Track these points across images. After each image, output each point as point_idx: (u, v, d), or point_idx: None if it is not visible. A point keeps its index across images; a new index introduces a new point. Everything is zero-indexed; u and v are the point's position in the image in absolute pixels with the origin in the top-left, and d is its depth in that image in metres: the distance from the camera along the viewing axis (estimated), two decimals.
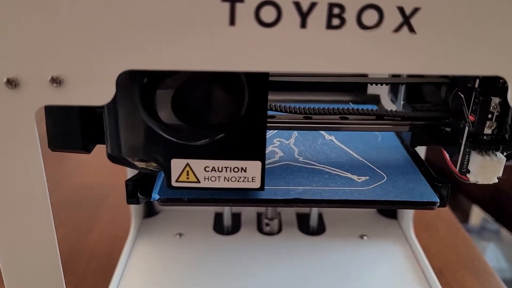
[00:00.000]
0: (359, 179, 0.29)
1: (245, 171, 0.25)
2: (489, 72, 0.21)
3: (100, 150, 0.29)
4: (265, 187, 0.27)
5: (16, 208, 0.23)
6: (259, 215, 0.46)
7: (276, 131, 0.35)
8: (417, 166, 0.31)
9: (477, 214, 1.04)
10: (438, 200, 0.28)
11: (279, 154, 0.32)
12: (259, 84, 0.24)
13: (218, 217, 0.46)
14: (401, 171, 0.31)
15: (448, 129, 0.29)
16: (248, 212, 0.47)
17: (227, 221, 0.45)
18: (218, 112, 0.25)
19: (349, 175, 0.30)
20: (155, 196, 0.27)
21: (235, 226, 0.45)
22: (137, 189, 0.28)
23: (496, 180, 0.26)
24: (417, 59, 0.20)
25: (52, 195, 0.23)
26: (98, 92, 0.21)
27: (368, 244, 0.44)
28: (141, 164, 0.27)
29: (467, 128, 0.27)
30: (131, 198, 0.28)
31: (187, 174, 0.26)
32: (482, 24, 0.20)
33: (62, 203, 0.56)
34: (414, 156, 0.33)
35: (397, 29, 0.20)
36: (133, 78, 0.24)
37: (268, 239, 0.44)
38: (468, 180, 0.28)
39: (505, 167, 0.27)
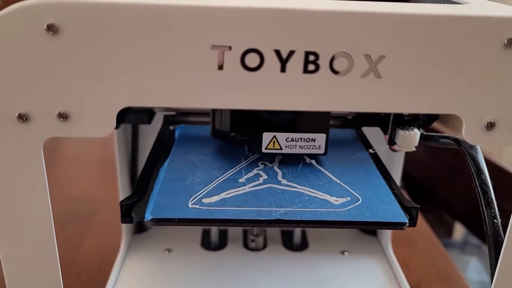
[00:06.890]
0: (336, 201, 0.32)
1: (314, 141, 0.35)
2: (446, 111, 0.23)
3: (88, 164, 0.31)
4: (249, 208, 0.30)
5: (22, 236, 0.26)
6: (245, 232, 0.48)
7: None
8: (390, 189, 0.34)
9: (459, 230, 1.07)
10: (407, 220, 0.30)
11: (263, 177, 0.35)
12: None
13: (206, 233, 0.48)
14: (375, 193, 0.33)
15: (382, 114, 0.39)
16: (235, 229, 0.48)
17: (214, 237, 0.46)
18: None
19: (327, 197, 0.32)
20: (148, 216, 0.29)
21: (222, 242, 0.47)
22: (131, 209, 0.30)
23: (414, 149, 0.36)
24: (383, 100, 0.23)
25: None
26: (100, 126, 0.23)
27: (349, 259, 0.46)
28: (237, 137, 0.37)
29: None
30: (125, 217, 0.30)
31: (273, 144, 0.35)
32: (440, 69, 0.23)
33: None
34: (388, 178, 0.36)
35: (365, 74, 0.22)
36: None
37: (253, 254, 0.45)
38: (396, 150, 0.38)
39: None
